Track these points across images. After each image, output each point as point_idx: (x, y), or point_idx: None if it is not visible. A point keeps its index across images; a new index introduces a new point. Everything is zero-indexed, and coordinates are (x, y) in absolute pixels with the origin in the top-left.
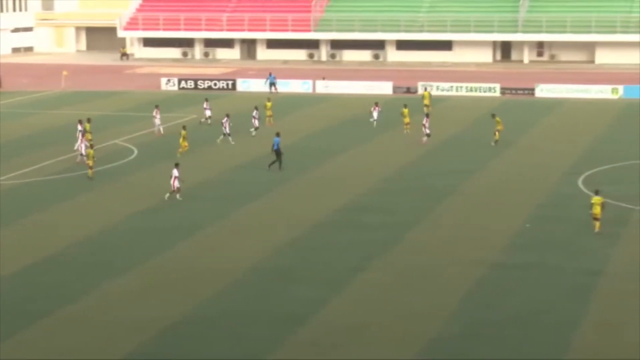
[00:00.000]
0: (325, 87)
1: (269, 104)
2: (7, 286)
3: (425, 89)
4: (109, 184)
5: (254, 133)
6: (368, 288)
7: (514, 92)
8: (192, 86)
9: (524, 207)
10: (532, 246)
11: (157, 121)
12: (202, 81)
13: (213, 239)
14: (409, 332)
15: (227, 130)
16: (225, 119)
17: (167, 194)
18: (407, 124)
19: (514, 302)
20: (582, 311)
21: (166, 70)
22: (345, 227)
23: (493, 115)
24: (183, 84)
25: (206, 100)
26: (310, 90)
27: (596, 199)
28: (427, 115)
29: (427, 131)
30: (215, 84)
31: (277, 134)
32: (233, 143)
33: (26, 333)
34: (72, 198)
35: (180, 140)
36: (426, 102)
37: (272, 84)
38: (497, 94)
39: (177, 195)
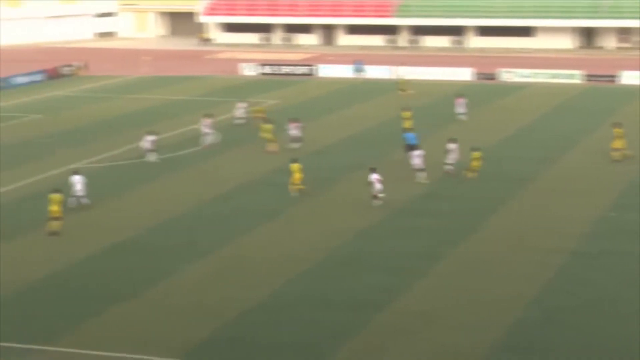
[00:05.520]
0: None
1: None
2: (85, 270)
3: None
4: (184, 170)
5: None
6: (443, 276)
7: (596, 79)
8: (272, 72)
9: (606, 196)
10: (614, 235)
11: (206, 129)
12: (281, 67)
13: (289, 225)
14: (486, 318)
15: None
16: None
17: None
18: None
19: (592, 289)
20: None
21: (245, 56)
22: (420, 214)
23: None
24: (263, 69)
25: (242, 102)
26: (388, 76)
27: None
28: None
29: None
30: (296, 70)
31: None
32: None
33: (106, 315)
34: (144, 184)
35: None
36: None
37: (360, 70)
38: (579, 80)
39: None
